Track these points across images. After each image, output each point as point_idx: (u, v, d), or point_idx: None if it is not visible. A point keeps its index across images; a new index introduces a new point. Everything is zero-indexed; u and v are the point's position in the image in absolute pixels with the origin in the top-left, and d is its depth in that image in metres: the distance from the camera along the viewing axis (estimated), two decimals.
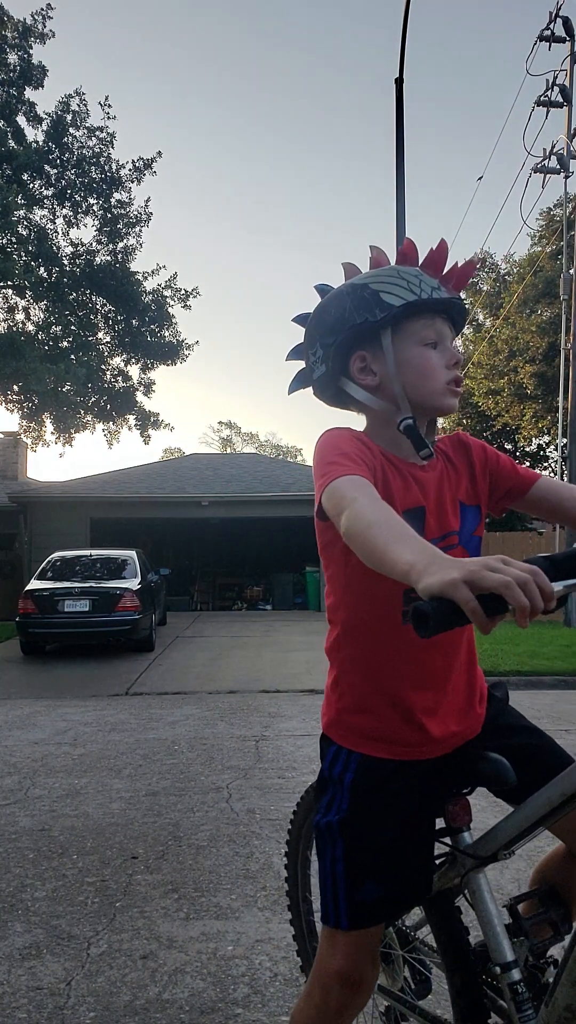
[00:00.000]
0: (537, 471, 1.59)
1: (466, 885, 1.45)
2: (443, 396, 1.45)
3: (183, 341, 20.20)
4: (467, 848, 1.45)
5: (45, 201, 18.95)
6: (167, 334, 19.94)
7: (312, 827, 1.76)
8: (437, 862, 1.50)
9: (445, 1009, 1.68)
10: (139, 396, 20.39)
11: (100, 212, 19.16)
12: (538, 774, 1.34)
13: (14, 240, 17.81)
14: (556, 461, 20.77)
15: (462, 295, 1.42)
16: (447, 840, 1.49)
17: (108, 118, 19.77)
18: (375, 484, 1.34)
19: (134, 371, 20.44)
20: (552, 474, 26.98)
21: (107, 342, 20.20)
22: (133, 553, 12.95)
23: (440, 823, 1.50)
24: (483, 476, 1.53)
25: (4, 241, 17.51)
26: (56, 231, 19.22)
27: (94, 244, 19.40)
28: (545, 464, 29.23)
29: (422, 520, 1.42)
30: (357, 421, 1.56)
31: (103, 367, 19.61)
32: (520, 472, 1.54)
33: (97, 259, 19.31)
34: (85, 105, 18.51)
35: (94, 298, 19.67)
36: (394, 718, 1.45)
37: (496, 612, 0.95)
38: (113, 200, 19.07)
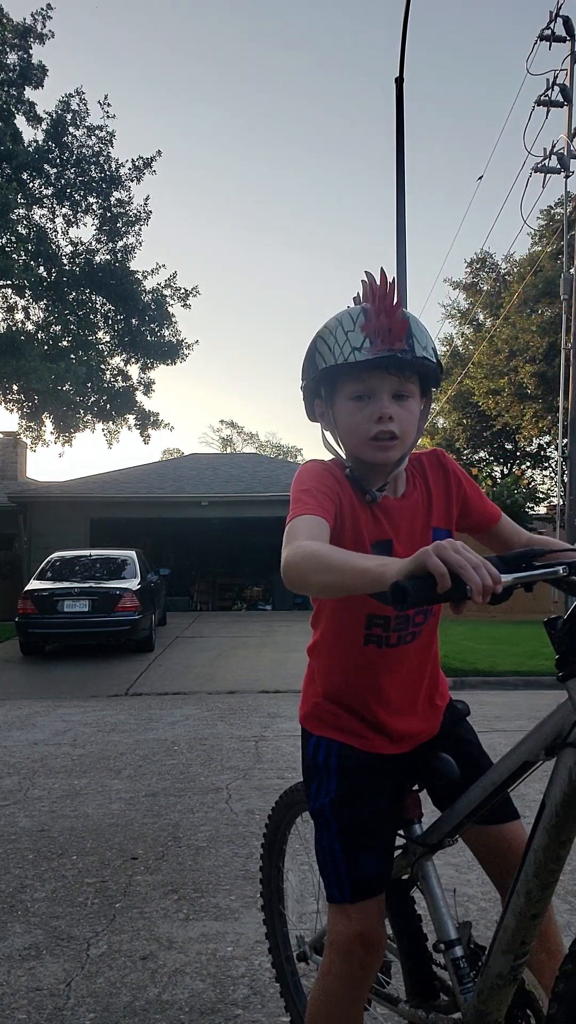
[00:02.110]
0: (498, 508, 1.69)
1: (417, 872, 1.61)
2: (368, 450, 1.48)
3: (183, 341, 20.21)
4: (417, 838, 1.60)
5: (44, 200, 18.95)
6: (167, 333, 19.93)
7: (283, 837, 2.09)
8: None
9: (393, 989, 1.81)
10: (139, 396, 20.41)
11: (100, 211, 19.15)
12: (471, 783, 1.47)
13: (14, 239, 17.81)
14: (556, 461, 20.75)
15: (402, 339, 1.44)
16: (400, 832, 1.62)
17: (108, 117, 19.76)
18: (341, 517, 1.46)
19: (134, 371, 20.46)
20: (552, 474, 26.97)
21: (107, 341, 20.19)
22: (133, 553, 12.94)
23: None
24: (456, 503, 1.61)
25: (4, 241, 17.51)
26: (55, 230, 19.23)
27: (94, 243, 19.40)
28: (545, 464, 29.20)
29: (389, 552, 1.49)
30: None
31: (103, 366, 19.60)
32: (488, 508, 1.64)
33: (97, 258, 19.30)
34: (85, 104, 18.53)
35: (94, 297, 19.67)
36: (361, 720, 1.59)
37: (459, 591, 1.10)
38: (112, 199, 19.07)
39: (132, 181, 19.08)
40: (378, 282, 1.47)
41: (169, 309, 19.70)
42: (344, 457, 1.56)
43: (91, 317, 19.78)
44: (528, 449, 29.07)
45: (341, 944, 1.50)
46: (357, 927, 1.49)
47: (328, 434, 1.58)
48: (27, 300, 19.12)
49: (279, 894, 2.20)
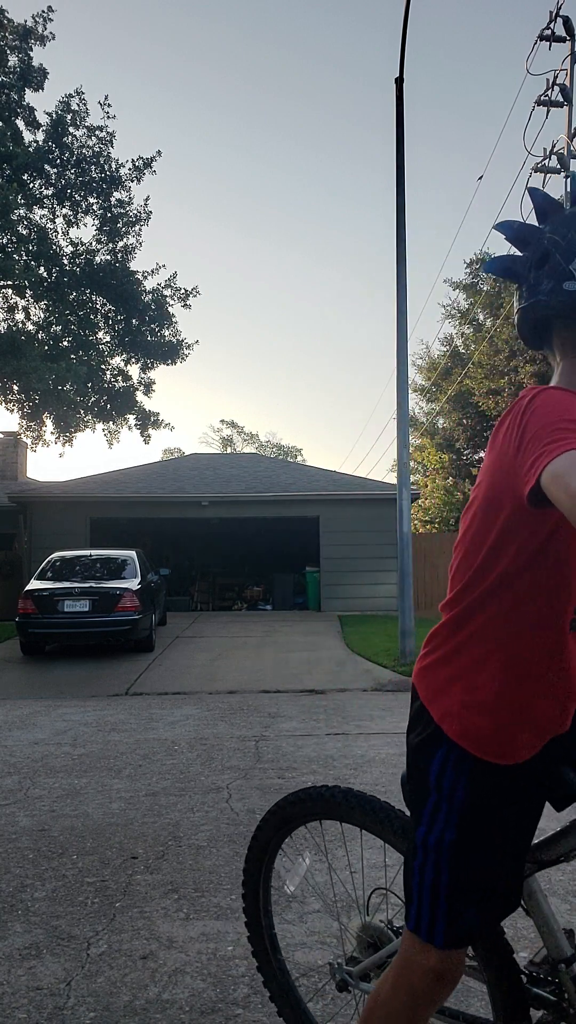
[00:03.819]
0: None
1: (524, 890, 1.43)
2: None
3: (183, 341, 20.21)
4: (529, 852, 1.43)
5: (45, 200, 18.95)
6: (167, 333, 19.93)
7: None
8: None
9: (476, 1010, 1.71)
10: (139, 396, 20.40)
11: (100, 211, 19.17)
12: None
13: (14, 240, 17.81)
14: None
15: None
16: None
17: (108, 117, 19.83)
18: None
19: (134, 371, 20.45)
20: None
21: (107, 342, 20.20)
22: (133, 553, 12.95)
23: None
24: None
25: (4, 241, 17.51)
26: (56, 230, 19.23)
27: (94, 243, 19.41)
28: None
29: None
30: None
31: (103, 367, 19.61)
32: None
33: (97, 258, 19.31)
34: (85, 104, 18.53)
35: (94, 297, 19.67)
36: (528, 725, 1.34)
37: None
38: (113, 199, 19.07)
39: (132, 181, 19.09)
40: None
41: (169, 309, 19.71)
42: None
43: (91, 317, 19.78)
44: None
45: (414, 976, 1.35)
46: (435, 962, 1.33)
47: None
48: (27, 300, 19.14)
49: (271, 936, 2.04)
